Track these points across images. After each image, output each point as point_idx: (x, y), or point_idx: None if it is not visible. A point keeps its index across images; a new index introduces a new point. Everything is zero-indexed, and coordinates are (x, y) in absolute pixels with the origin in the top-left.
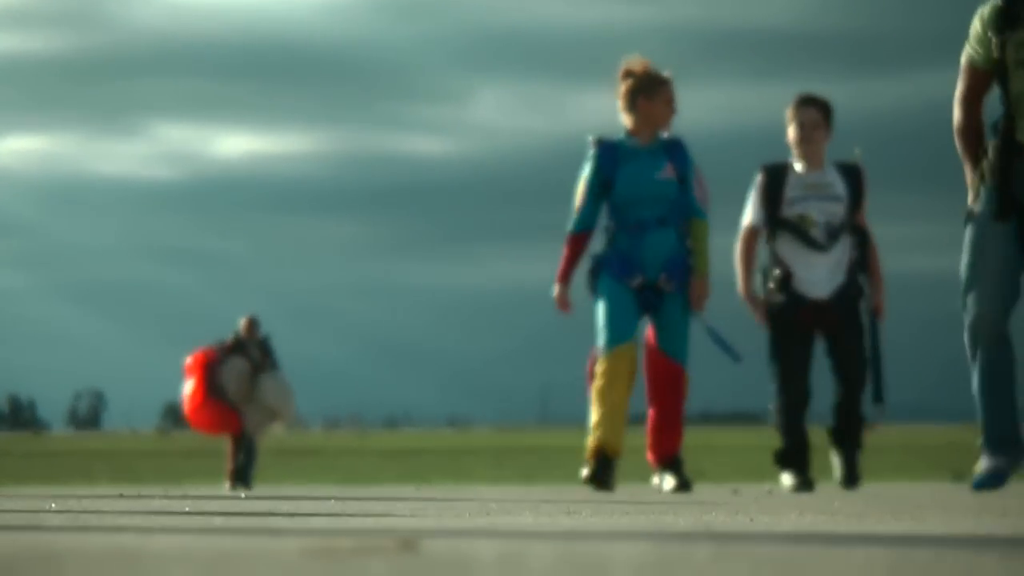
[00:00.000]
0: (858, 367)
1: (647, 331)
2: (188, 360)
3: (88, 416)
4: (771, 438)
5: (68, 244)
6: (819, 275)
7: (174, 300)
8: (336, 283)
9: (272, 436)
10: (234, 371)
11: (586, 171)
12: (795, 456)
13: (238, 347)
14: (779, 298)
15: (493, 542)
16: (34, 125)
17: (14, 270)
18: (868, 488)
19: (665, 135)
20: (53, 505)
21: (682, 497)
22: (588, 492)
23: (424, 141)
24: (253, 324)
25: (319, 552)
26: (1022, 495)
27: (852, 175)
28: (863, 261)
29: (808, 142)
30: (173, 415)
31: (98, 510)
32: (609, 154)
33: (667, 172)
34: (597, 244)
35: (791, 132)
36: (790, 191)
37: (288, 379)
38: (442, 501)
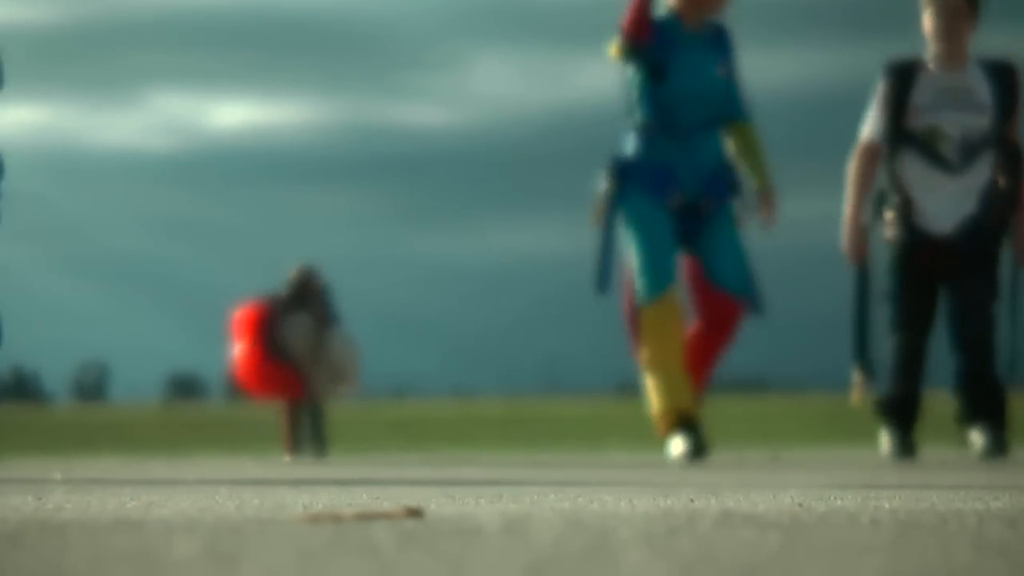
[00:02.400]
0: (983, 326)
1: (686, 265)
2: (236, 316)
3: (92, 388)
4: (778, 406)
5: (68, 216)
6: (944, 205)
7: (175, 271)
8: (337, 254)
9: (340, 401)
10: (299, 327)
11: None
12: (901, 410)
13: (299, 300)
14: (896, 232)
15: (498, 509)
16: (32, 96)
17: (15, 242)
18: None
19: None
20: (58, 475)
21: (708, 470)
22: (596, 459)
23: (425, 110)
24: (313, 274)
25: (324, 519)
26: None
27: (1003, 77)
28: (1012, 190)
29: (947, 34)
30: (176, 386)
31: (102, 479)
32: (659, 34)
33: (722, 68)
34: (622, 145)
35: (925, 21)
36: (920, 96)
37: (354, 336)
38: (448, 469)
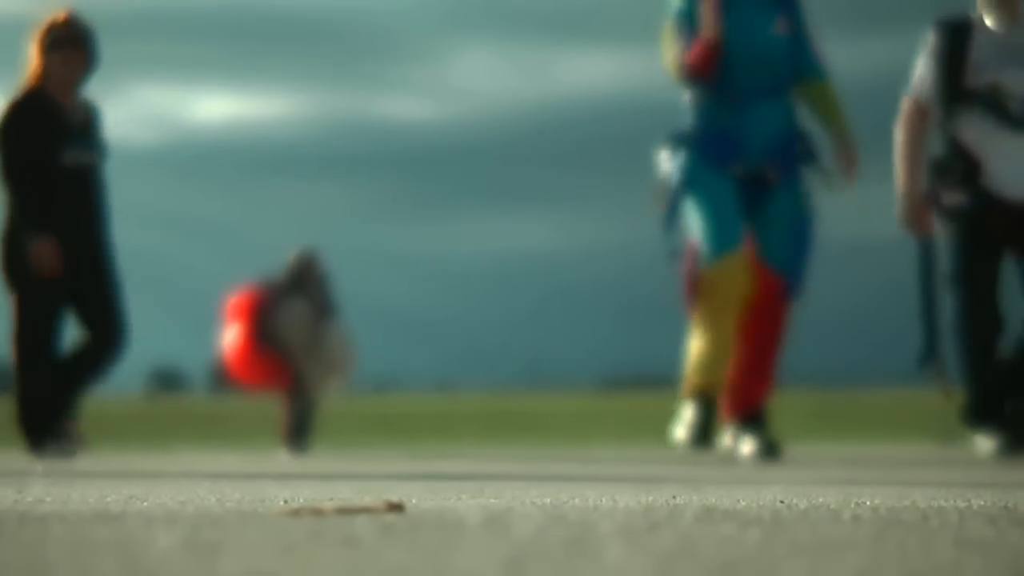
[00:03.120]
0: None
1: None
2: (231, 301)
3: None
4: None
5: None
6: (1015, 166)
7: (157, 263)
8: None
9: (331, 395)
10: (295, 315)
11: (674, 9)
12: (991, 408)
13: (297, 286)
14: (961, 199)
15: (480, 503)
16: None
17: None
18: None
19: None
20: (39, 468)
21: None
22: (578, 454)
23: (409, 103)
24: (313, 260)
25: (305, 513)
26: None
27: None
28: None
29: None
30: (158, 379)
31: (83, 472)
32: None
33: (781, 26)
34: (679, 119)
35: None
36: (978, 53)
37: (349, 327)
38: (430, 463)
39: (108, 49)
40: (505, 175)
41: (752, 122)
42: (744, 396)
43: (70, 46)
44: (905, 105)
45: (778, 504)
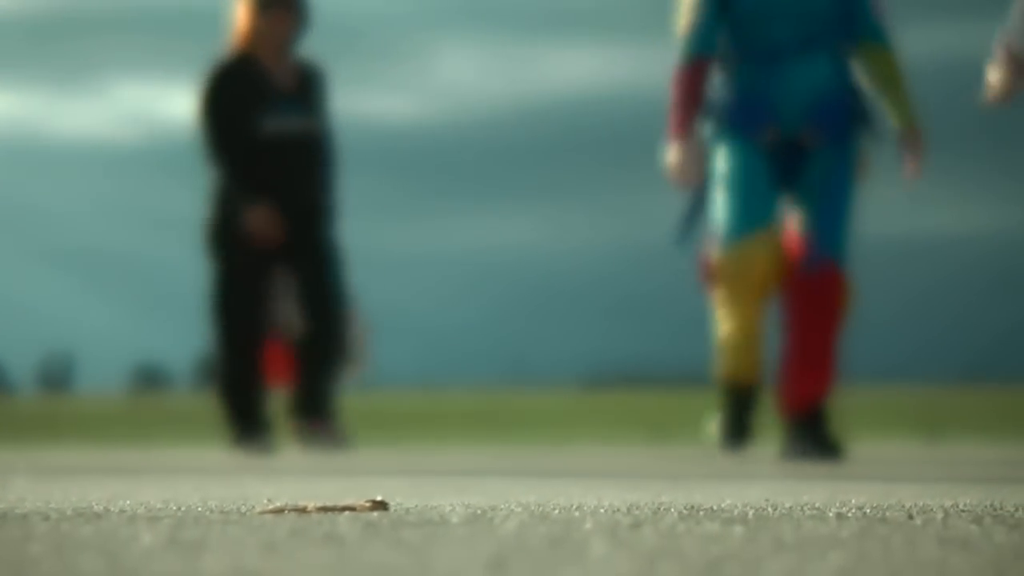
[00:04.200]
0: None
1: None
2: None
3: (58, 378)
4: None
5: (34, 206)
6: None
7: (141, 262)
8: None
9: (345, 386)
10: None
11: None
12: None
13: None
14: None
15: (463, 501)
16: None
17: None
18: None
19: None
20: (21, 466)
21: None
22: (561, 452)
23: (390, 101)
24: None
25: (288, 511)
26: None
27: None
28: None
29: None
30: (142, 376)
31: (66, 469)
32: None
33: None
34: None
35: None
36: None
37: (364, 313)
38: (414, 461)
39: (88, 46)
40: (489, 172)
41: (788, 81)
42: (797, 391)
43: (281, 6)
44: (1002, 43)
45: (763, 502)
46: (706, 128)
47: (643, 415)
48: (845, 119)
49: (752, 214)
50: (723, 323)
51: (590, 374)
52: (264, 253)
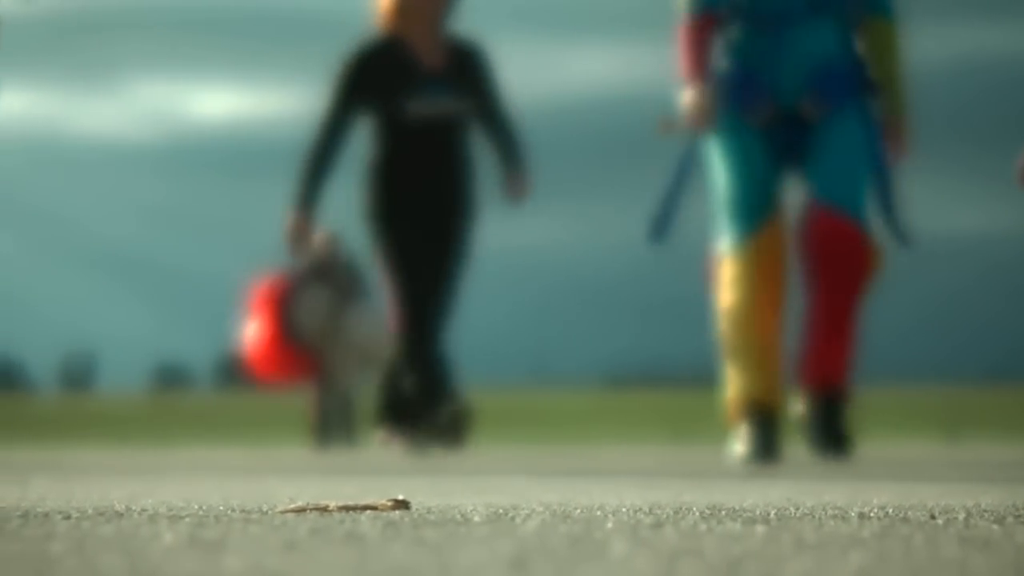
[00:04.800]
0: None
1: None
2: (253, 293)
3: (79, 377)
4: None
5: (55, 205)
6: None
7: (162, 261)
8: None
9: (363, 385)
10: (315, 302)
11: None
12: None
13: (318, 271)
14: None
15: (484, 500)
16: (15, 84)
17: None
18: None
19: None
20: (43, 464)
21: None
22: (582, 452)
23: None
24: (337, 243)
25: (309, 511)
26: None
27: None
28: None
29: None
30: (163, 375)
31: (87, 468)
32: None
33: None
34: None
35: None
36: None
37: (382, 311)
38: (435, 460)
39: (108, 45)
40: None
41: (791, 47)
42: (818, 362)
43: None
44: None
45: (784, 502)
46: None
47: (665, 415)
48: (851, 87)
49: (754, 207)
50: (735, 335)
51: (612, 373)
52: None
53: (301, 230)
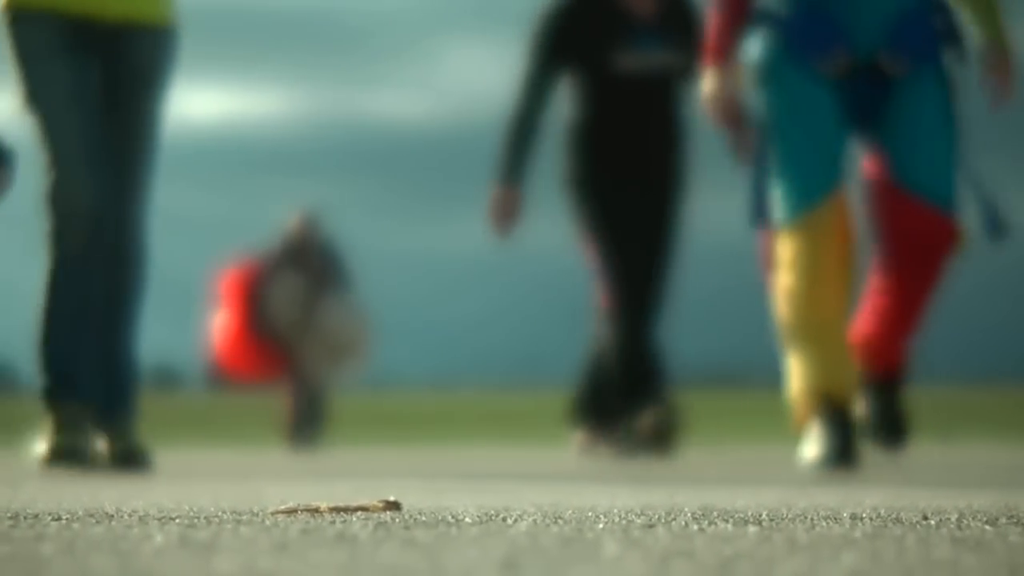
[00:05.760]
0: None
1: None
2: (222, 281)
3: None
4: (758, 401)
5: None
6: None
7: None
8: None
9: (342, 382)
10: (287, 291)
11: None
12: None
13: (292, 256)
14: None
15: (476, 502)
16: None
17: None
18: None
19: None
20: (33, 466)
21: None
22: (572, 453)
23: (400, 101)
24: (314, 225)
25: (300, 512)
26: None
27: None
28: None
29: None
30: (152, 377)
31: (77, 470)
32: None
33: None
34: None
35: None
36: None
37: (361, 302)
38: (426, 461)
39: None
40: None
41: None
42: (884, 350)
43: None
44: None
45: (777, 503)
46: (757, 49)
47: None
48: (933, 38)
49: (820, 175)
50: (799, 322)
51: None
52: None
53: (509, 206)
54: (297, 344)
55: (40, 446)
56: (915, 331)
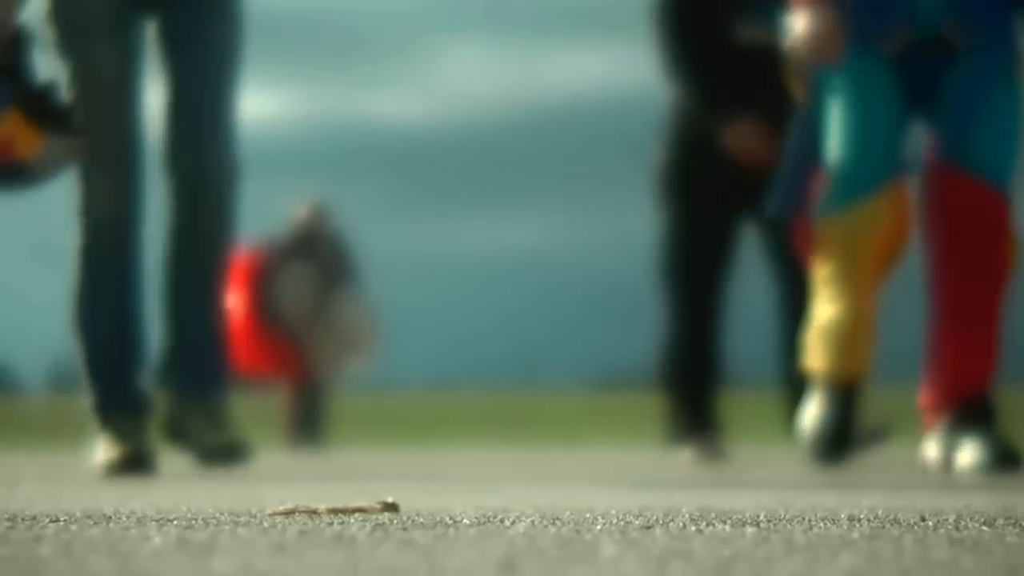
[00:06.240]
0: None
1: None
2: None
3: (68, 380)
4: (751, 401)
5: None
6: None
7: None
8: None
9: (349, 378)
10: (297, 283)
11: None
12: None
13: (301, 246)
14: None
15: (474, 503)
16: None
17: None
18: None
19: None
20: (31, 467)
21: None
22: (572, 454)
23: (396, 102)
24: (324, 216)
25: (299, 513)
26: None
27: None
28: None
29: None
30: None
31: (75, 472)
32: None
33: None
34: None
35: None
36: None
37: (370, 298)
38: (426, 463)
39: None
40: (499, 173)
41: None
42: (956, 374)
43: None
44: None
45: (775, 504)
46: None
47: (654, 416)
48: (1000, 4)
49: (874, 162)
50: (828, 305)
51: (602, 375)
52: (729, 202)
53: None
54: (306, 338)
55: (101, 454)
56: (989, 343)
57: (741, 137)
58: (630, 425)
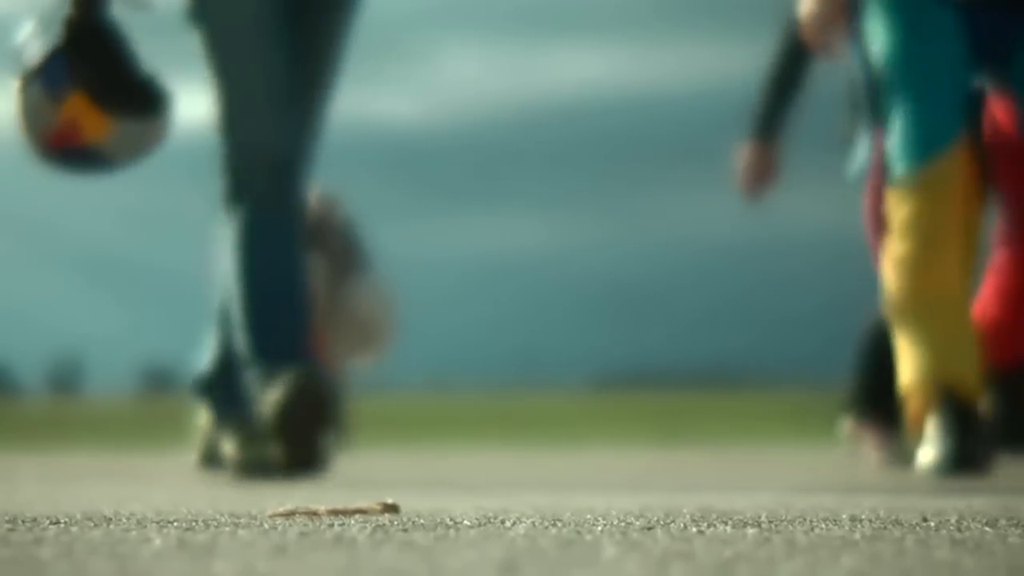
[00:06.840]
0: None
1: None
2: None
3: (67, 380)
4: (754, 401)
5: (41, 207)
6: None
7: (149, 264)
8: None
9: (364, 368)
10: (311, 274)
11: None
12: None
13: (314, 237)
14: None
15: (474, 504)
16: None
17: None
18: None
19: None
20: (31, 468)
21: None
22: (572, 455)
23: (394, 102)
24: (333, 205)
25: (299, 514)
26: None
27: None
28: None
29: None
30: (151, 378)
31: (75, 472)
32: None
33: None
34: None
35: None
36: None
37: (386, 284)
38: (425, 463)
39: None
40: (497, 173)
41: None
42: (1003, 336)
43: None
44: None
45: (775, 505)
46: None
47: (654, 416)
48: None
49: (941, 122)
50: (914, 298)
51: (600, 374)
52: None
53: (764, 164)
54: (321, 331)
55: (228, 450)
56: None
57: (749, 164)
58: (629, 425)
